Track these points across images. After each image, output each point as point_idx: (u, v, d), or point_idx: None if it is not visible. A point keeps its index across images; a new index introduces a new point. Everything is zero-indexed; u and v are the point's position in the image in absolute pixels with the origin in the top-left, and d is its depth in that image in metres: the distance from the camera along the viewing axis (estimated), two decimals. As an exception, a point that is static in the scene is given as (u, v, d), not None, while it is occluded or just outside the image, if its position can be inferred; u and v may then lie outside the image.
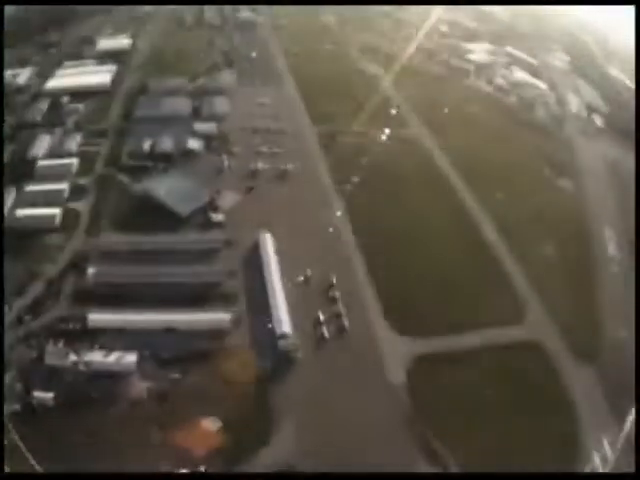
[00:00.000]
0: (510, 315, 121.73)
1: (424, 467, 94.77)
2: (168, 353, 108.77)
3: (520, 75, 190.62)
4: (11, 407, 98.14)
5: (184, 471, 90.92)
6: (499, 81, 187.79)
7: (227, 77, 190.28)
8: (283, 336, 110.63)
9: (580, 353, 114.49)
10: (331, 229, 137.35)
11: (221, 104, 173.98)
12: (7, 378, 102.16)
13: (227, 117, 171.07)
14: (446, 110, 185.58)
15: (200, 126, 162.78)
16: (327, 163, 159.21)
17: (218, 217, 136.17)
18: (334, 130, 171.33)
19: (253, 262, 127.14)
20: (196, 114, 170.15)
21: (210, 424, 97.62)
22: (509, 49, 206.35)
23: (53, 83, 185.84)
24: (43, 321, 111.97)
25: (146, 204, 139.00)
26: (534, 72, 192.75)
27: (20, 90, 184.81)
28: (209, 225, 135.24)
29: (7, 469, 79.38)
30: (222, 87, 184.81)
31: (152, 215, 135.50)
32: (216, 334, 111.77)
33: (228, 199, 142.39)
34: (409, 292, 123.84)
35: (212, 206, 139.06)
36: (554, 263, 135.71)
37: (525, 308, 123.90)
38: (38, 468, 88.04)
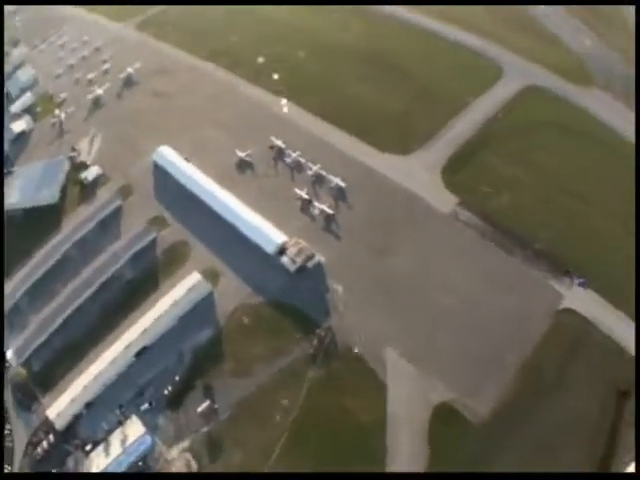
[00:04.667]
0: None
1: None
2: (169, 384, 70.03)
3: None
4: None
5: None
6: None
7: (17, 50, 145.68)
8: (281, 251, 76.04)
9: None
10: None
11: (25, 74, 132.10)
12: None
13: (37, 79, 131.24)
14: None
15: (16, 106, 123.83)
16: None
17: (92, 173, 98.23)
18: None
19: (169, 191, 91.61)
20: (8, 100, 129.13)
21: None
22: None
23: None
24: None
25: (9, 222, 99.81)
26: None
27: None
28: (91, 187, 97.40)
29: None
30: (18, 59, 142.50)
31: (23, 228, 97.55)
32: (203, 309, 74.63)
33: (89, 146, 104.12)
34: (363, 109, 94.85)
35: (78, 166, 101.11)
36: None
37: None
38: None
